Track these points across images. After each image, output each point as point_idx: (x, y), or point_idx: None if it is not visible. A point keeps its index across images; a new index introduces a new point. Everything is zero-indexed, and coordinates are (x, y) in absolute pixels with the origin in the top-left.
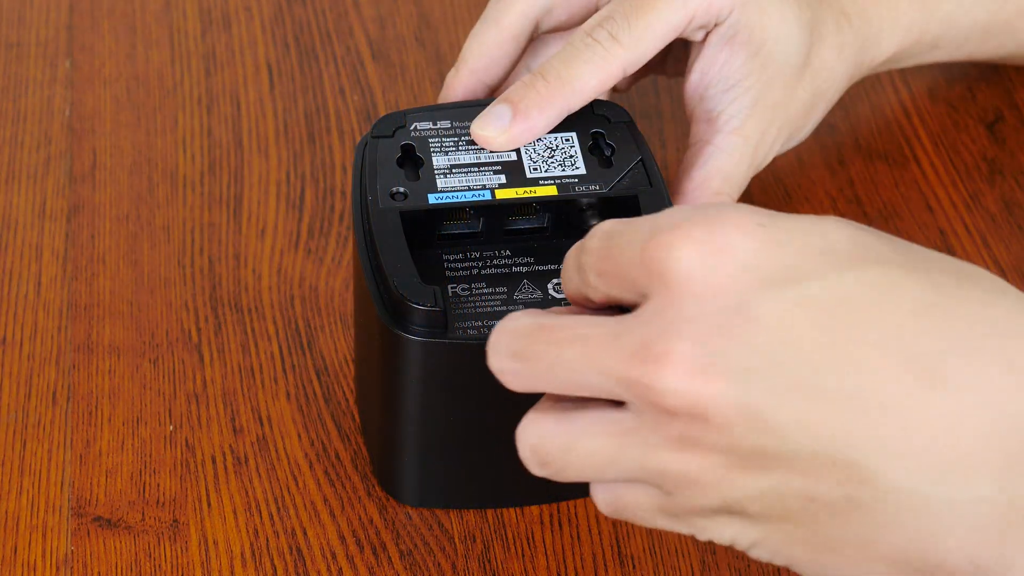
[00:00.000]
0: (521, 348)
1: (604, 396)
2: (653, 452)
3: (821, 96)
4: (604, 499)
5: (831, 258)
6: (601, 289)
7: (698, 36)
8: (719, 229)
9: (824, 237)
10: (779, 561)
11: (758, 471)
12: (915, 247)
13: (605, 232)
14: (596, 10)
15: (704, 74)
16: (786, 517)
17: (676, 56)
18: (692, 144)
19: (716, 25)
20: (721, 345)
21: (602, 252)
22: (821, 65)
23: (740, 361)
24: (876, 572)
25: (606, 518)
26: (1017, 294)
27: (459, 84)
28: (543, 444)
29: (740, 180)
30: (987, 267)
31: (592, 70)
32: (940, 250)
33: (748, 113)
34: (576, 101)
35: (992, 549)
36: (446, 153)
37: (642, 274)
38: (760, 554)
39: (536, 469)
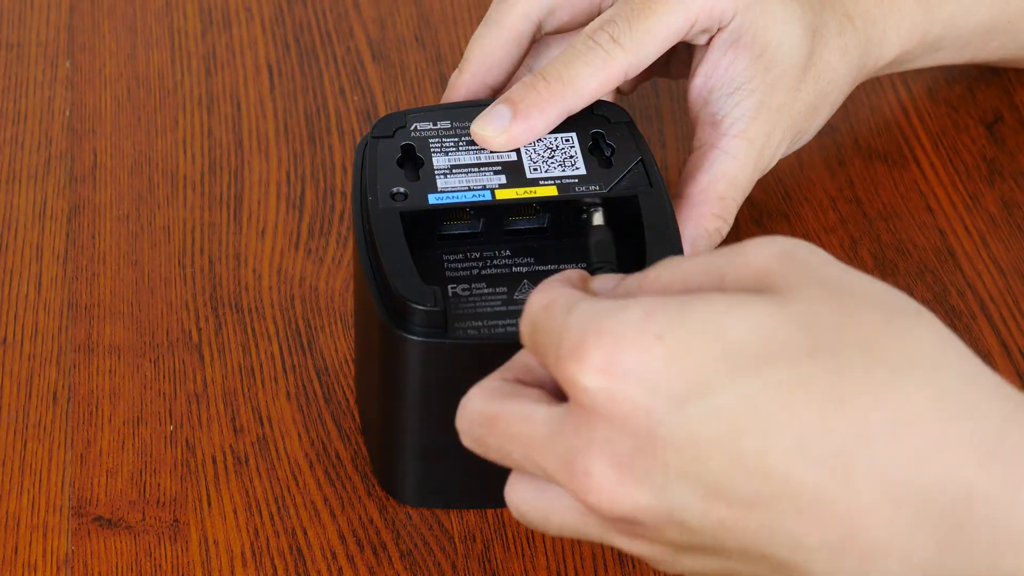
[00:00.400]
0: (477, 436)
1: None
2: (608, 534)
3: (825, 98)
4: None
5: (734, 363)
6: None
7: (702, 40)
8: (617, 354)
9: (725, 337)
10: None
11: (701, 556)
12: (836, 287)
13: (530, 321)
14: (599, 11)
15: (708, 78)
16: (675, 528)
17: (680, 59)
18: (696, 148)
19: (720, 29)
20: (638, 463)
21: (529, 342)
22: (825, 67)
23: (657, 478)
24: None
25: None
26: (932, 359)
27: (462, 85)
28: (524, 511)
29: (745, 184)
30: (987, 267)
31: (593, 72)
32: (941, 250)
33: (752, 116)
34: (576, 103)
35: None
36: (446, 153)
37: (561, 382)
38: None
39: (529, 526)
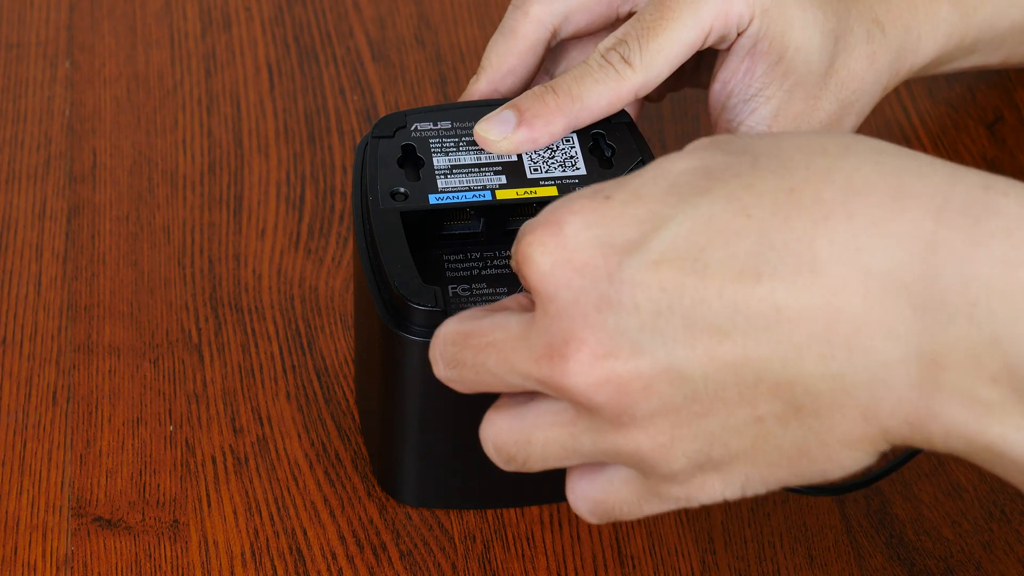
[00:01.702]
0: (451, 356)
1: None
2: (602, 436)
3: (849, 108)
4: (587, 509)
5: (678, 195)
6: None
7: (722, 45)
8: (563, 223)
9: (668, 175)
10: (773, 487)
11: (700, 418)
12: (759, 138)
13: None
14: (615, 15)
15: (725, 83)
16: (750, 447)
17: (707, 66)
18: None
19: (739, 35)
20: (610, 318)
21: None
22: (848, 75)
23: (632, 326)
24: (847, 456)
25: None
26: (867, 144)
27: (477, 93)
28: (502, 441)
29: None
30: None
31: (603, 91)
32: None
33: (769, 124)
34: (583, 118)
35: (917, 404)
36: (447, 153)
37: (522, 279)
38: (753, 491)
39: (503, 465)
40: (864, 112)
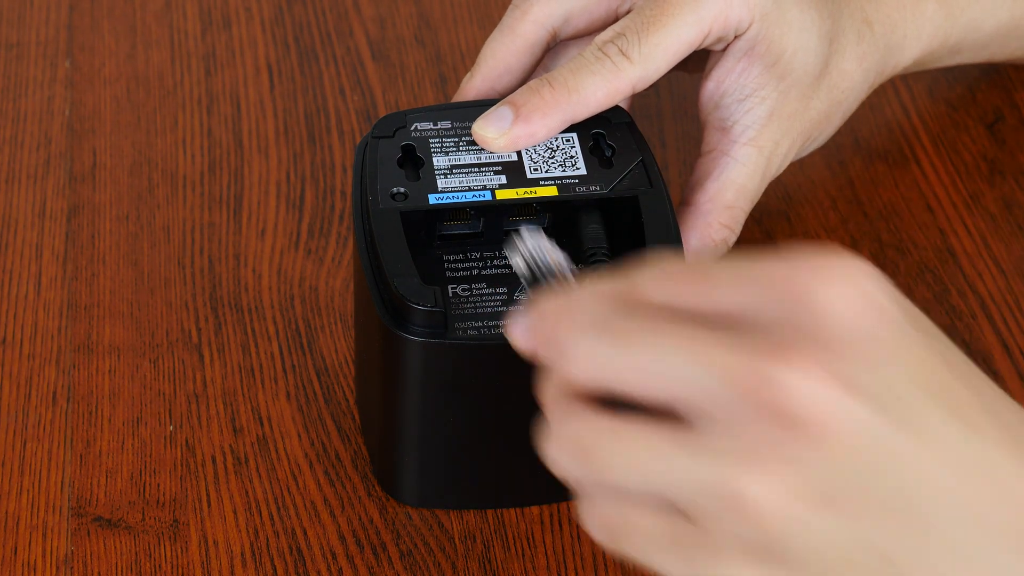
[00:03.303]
0: (611, 320)
1: (681, 402)
2: (716, 463)
3: (839, 106)
4: (603, 521)
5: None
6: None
7: (718, 47)
8: (871, 270)
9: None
10: None
11: (837, 513)
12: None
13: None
14: (616, 18)
15: (720, 82)
16: (834, 569)
17: (698, 55)
18: (705, 153)
19: (736, 37)
20: (865, 368)
21: (699, 274)
22: (840, 76)
23: (881, 389)
24: None
25: None
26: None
27: (472, 90)
28: (587, 430)
29: (753, 192)
30: (987, 267)
31: (600, 83)
32: (941, 250)
33: (763, 124)
34: (580, 112)
35: None
36: (446, 153)
37: (776, 294)
38: None
39: (567, 458)
40: (851, 109)
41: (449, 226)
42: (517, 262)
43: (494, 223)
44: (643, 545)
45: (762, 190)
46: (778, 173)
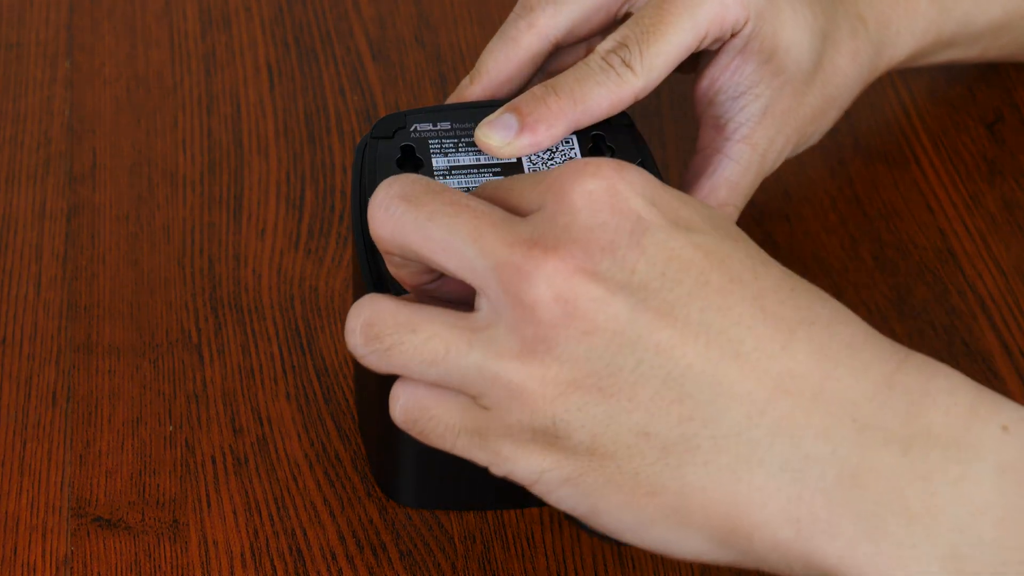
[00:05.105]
0: (412, 193)
1: (465, 279)
2: (496, 356)
3: (832, 102)
4: (405, 405)
5: (719, 226)
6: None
7: (714, 47)
8: (629, 171)
9: (715, 213)
10: (583, 507)
11: (600, 394)
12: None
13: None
14: (613, 19)
15: (714, 80)
16: (612, 453)
17: (692, 54)
18: (699, 150)
19: (732, 36)
20: (605, 261)
21: (490, 186)
22: (834, 72)
23: (619, 279)
24: (691, 541)
25: None
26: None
27: (471, 97)
28: (380, 318)
29: (747, 189)
30: (987, 267)
31: (604, 94)
32: (941, 250)
33: (757, 121)
34: (584, 121)
35: (818, 512)
36: (446, 155)
37: (540, 192)
38: (567, 495)
39: (361, 346)
40: (845, 105)
41: None
42: None
43: None
44: (442, 432)
45: (755, 187)
46: (772, 170)
